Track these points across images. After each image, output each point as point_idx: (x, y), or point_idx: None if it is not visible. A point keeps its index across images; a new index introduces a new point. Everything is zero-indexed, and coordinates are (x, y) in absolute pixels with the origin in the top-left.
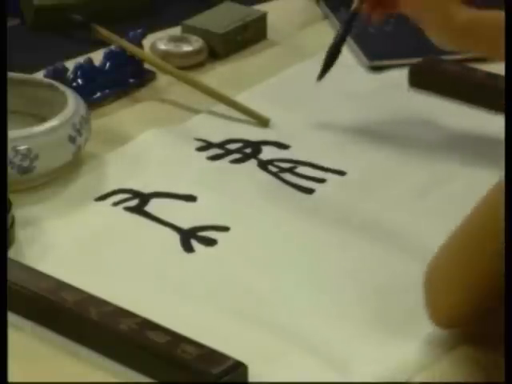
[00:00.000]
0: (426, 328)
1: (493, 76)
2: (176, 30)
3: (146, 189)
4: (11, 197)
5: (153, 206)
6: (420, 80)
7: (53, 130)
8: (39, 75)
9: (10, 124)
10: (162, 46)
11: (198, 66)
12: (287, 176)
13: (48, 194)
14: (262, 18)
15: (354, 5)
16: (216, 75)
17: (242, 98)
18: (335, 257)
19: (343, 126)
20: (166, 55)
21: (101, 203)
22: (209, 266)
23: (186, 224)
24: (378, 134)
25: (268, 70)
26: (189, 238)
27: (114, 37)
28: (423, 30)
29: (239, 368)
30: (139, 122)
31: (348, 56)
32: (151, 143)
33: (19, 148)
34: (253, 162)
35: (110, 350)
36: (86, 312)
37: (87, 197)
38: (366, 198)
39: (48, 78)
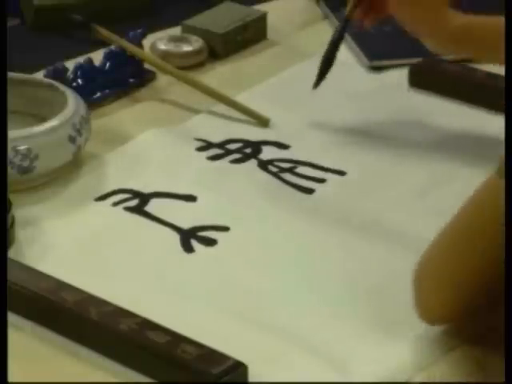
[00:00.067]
0: (426, 328)
1: (493, 76)
2: (176, 30)
3: (146, 189)
4: (11, 197)
5: (153, 206)
6: (420, 80)
7: (53, 130)
8: (39, 75)
9: (10, 124)
10: (162, 46)
11: (198, 65)
12: (287, 176)
13: (48, 194)
14: (262, 18)
15: (347, 11)
16: (216, 75)
17: (241, 98)
18: (335, 256)
19: (343, 126)
20: (165, 55)
21: (101, 203)
22: (209, 266)
23: (185, 224)
24: (377, 134)
25: (268, 69)
26: (189, 238)
27: (114, 37)
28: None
29: (239, 368)
30: (139, 122)
31: (348, 56)
32: (151, 143)
33: (19, 148)
34: (253, 162)
35: (110, 349)
36: (86, 312)
37: (87, 197)
38: (366, 198)
39: (48, 77)
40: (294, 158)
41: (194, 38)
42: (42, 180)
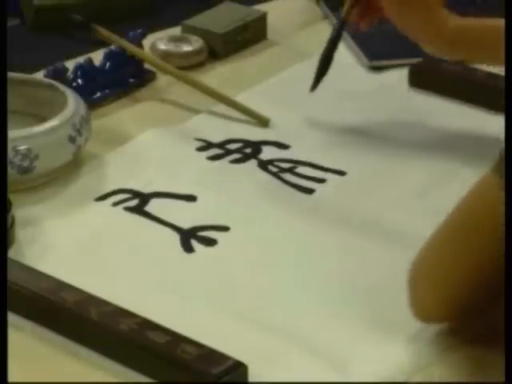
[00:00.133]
0: (426, 328)
1: (493, 76)
2: (176, 30)
3: (146, 189)
4: (11, 197)
5: (153, 206)
6: (420, 80)
7: (53, 130)
8: (39, 75)
9: (10, 124)
10: (162, 46)
11: (198, 66)
12: (287, 176)
13: (48, 194)
14: (262, 18)
15: (343, 14)
16: (216, 75)
17: (241, 98)
18: (335, 256)
19: (343, 126)
20: (165, 55)
21: (101, 203)
22: (209, 266)
23: (185, 224)
24: (377, 133)
25: (268, 70)
26: (189, 238)
27: (114, 37)
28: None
29: (239, 368)
30: (139, 122)
31: (348, 56)
32: (151, 143)
33: (19, 148)
34: (253, 162)
35: (110, 349)
36: (86, 312)
37: (87, 197)
38: (366, 197)
39: (48, 77)
40: (294, 158)
41: (194, 37)
42: (41, 180)
